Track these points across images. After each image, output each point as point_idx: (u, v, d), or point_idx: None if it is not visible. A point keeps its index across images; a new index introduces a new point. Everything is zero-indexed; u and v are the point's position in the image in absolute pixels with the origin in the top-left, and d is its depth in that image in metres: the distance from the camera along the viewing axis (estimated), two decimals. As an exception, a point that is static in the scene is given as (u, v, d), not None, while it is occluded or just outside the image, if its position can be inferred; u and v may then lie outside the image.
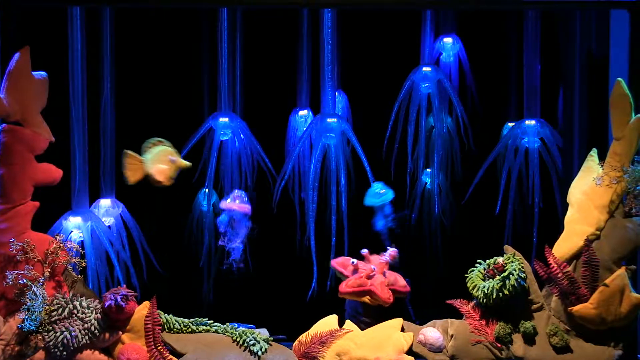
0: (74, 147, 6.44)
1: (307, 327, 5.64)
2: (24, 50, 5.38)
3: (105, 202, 6.70)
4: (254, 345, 5.40)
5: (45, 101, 5.50)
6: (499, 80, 7.26)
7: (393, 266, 5.89)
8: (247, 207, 6.07)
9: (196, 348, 5.39)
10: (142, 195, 6.86)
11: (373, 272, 5.67)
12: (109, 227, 6.68)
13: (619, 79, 5.53)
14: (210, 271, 6.93)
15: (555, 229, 6.62)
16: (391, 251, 5.91)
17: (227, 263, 6.28)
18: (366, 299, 5.66)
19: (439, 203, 7.14)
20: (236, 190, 6.14)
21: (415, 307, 6.16)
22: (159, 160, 5.61)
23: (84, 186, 6.50)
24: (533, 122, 6.87)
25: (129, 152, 5.59)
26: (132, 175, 5.60)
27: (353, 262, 5.76)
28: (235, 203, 6.05)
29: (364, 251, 5.86)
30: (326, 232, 6.62)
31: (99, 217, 6.59)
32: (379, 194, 6.36)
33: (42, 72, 5.49)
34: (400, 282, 5.81)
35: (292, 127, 7.12)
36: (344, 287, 5.70)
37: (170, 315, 5.49)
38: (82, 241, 6.32)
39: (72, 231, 6.28)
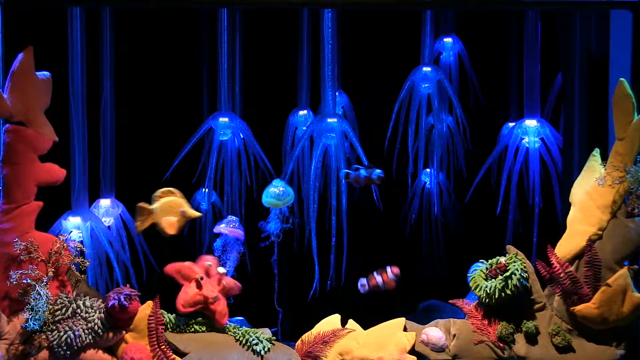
0: (73, 147, 6.45)
1: (310, 327, 5.63)
2: (27, 51, 5.37)
3: (105, 202, 6.71)
4: (256, 344, 5.40)
5: (48, 101, 5.48)
6: (499, 80, 7.28)
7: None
8: (239, 233, 6.08)
9: (199, 347, 5.39)
10: (142, 195, 6.88)
11: (215, 298, 5.51)
12: (108, 227, 6.68)
13: (622, 79, 5.54)
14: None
15: (555, 228, 6.68)
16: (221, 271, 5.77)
17: None
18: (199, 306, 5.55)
19: (438, 203, 7.16)
20: (230, 216, 6.15)
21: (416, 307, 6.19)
22: (169, 212, 5.57)
23: (83, 186, 6.51)
24: (533, 122, 6.89)
25: (142, 203, 5.57)
26: (141, 226, 5.59)
27: (202, 278, 5.52)
28: (229, 228, 6.07)
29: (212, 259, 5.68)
30: (326, 232, 6.63)
31: (99, 217, 6.60)
32: (281, 194, 6.31)
33: (46, 72, 5.48)
34: (234, 289, 5.71)
35: (291, 127, 7.13)
36: (182, 305, 5.46)
37: (174, 314, 5.48)
38: (82, 241, 6.32)
39: (71, 231, 6.27)
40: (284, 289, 6.83)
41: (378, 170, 5.89)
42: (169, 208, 5.58)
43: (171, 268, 5.52)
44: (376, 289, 5.87)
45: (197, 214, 5.71)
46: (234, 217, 6.13)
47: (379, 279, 5.84)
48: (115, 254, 6.56)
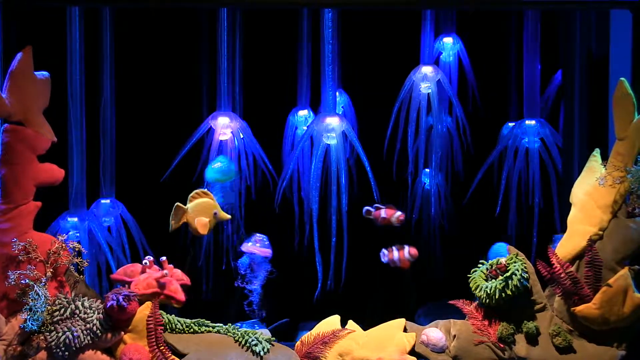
0: (72, 147, 6.44)
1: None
2: (26, 50, 5.36)
3: (105, 202, 6.69)
4: (256, 345, 5.39)
5: (47, 101, 5.48)
6: (499, 80, 7.27)
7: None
8: (267, 251, 6.14)
9: (198, 348, 5.38)
10: (142, 195, 6.88)
11: (164, 275, 5.53)
12: (108, 227, 6.68)
13: (622, 78, 5.53)
14: (209, 271, 6.96)
15: (555, 228, 6.67)
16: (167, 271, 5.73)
17: (248, 308, 6.30)
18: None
19: (436, 203, 7.15)
20: (257, 234, 6.19)
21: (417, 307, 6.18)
22: (202, 213, 5.73)
23: (81, 186, 6.50)
24: (533, 122, 6.88)
25: (178, 203, 5.70)
26: (175, 224, 5.72)
27: (146, 263, 5.60)
28: (256, 247, 6.12)
29: (149, 258, 5.65)
30: (327, 232, 6.62)
31: (97, 217, 6.59)
32: (224, 170, 6.41)
33: (45, 72, 5.47)
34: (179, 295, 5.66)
35: (290, 127, 7.12)
36: (137, 289, 5.46)
37: (173, 315, 5.48)
38: (79, 241, 6.31)
39: (69, 231, 6.26)
40: (284, 290, 6.83)
41: (398, 213, 5.97)
42: (203, 209, 5.72)
43: (116, 274, 5.62)
44: (392, 264, 5.89)
45: (228, 216, 5.87)
46: (262, 236, 6.18)
47: (395, 254, 5.86)
48: (114, 254, 6.55)
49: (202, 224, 5.71)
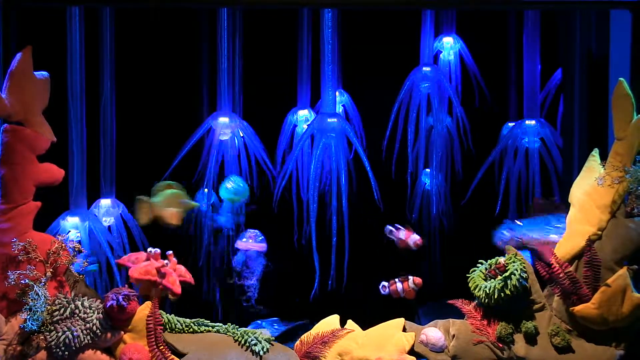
0: (72, 147, 6.44)
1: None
2: (26, 50, 5.37)
3: (105, 202, 6.70)
4: (255, 345, 5.40)
5: (47, 101, 5.49)
6: (499, 80, 7.27)
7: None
8: (262, 246, 6.16)
9: (198, 348, 5.39)
10: (141, 195, 6.88)
11: (164, 265, 5.55)
12: (108, 227, 6.68)
13: (621, 79, 5.53)
14: (210, 272, 6.96)
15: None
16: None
17: (246, 304, 6.31)
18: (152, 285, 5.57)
19: (437, 203, 7.15)
20: (250, 230, 6.21)
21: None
22: (170, 204, 5.90)
23: (82, 186, 6.50)
24: (533, 122, 6.88)
25: (142, 197, 5.87)
26: (143, 219, 5.91)
27: (151, 251, 5.63)
28: (250, 242, 6.13)
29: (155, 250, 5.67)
30: (327, 232, 6.62)
31: (97, 217, 6.59)
32: (238, 189, 6.46)
33: (44, 72, 5.48)
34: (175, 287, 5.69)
35: (288, 126, 7.12)
36: (132, 271, 5.52)
37: (172, 315, 5.49)
38: (80, 241, 6.31)
39: (69, 231, 6.26)
40: (284, 289, 6.84)
41: (416, 237, 5.98)
42: (170, 200, 5.88)
43: (121, 259, 5.68)
44: (395, 295, 5.88)
45: (195, 204, 6.11)
46: (255, 231, 6.19)
47: (399, 285, 5.85)
48: (114, 254, 6.55)
49: (172, 214, 5.76)
